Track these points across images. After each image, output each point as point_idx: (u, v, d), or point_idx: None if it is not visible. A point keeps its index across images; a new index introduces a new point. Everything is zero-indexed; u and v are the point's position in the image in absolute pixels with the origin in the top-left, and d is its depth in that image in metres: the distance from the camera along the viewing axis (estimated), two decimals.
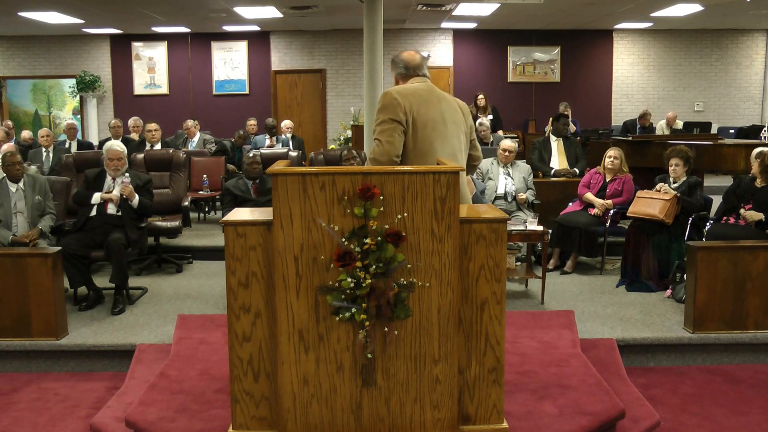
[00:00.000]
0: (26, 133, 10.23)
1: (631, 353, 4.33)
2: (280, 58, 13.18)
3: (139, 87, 13.17)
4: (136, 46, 13.08)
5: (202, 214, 8.34)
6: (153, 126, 8.33)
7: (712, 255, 4.40)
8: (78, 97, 13.16)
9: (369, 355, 2.83)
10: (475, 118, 9.69)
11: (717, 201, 5.71)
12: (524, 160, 7.16)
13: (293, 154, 8.03)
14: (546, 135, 8.15)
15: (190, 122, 9.55)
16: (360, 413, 2.89)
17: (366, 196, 2.73)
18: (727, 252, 4.41)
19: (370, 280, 2.75)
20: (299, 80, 13.28)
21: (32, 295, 4.32)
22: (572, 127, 10.25)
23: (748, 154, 5.91)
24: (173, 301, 5.22)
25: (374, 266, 2.76)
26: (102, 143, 7.96)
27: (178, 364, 3.91)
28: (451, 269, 2.83)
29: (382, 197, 2.76)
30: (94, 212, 5.17)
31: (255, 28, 12.58)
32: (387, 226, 2.77)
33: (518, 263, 5.68)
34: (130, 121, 9.83)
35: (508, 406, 3.24)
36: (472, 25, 12.74)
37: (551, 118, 8.26)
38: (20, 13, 10.12)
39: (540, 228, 5.16)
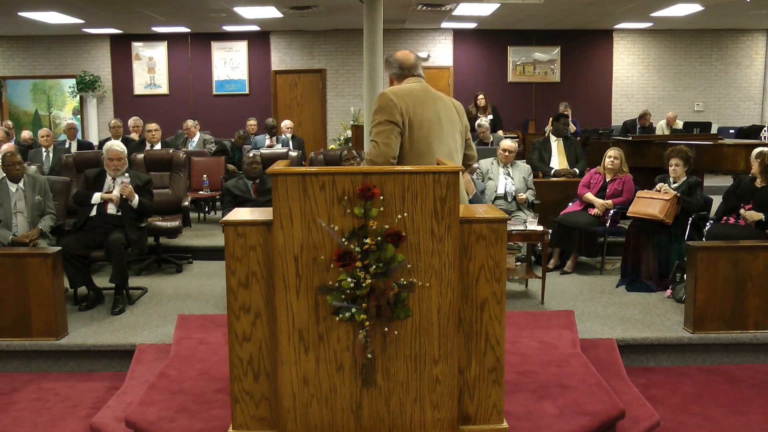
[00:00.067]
0: (26, 133, 10.23)
1: (631, 353, 4.33)
2: (280, 58, 13.18)
3: (139, 87, 13.18)
4: (136, 46, 13.08)
5: (202, 214, 8.34)
6: (153, 126, 8.33)
7: (712, 255, 4.40)
8: (78, 97, 13.16)
9: (369, 355, 2.83)
10: (475, 118, 9.71)
11: (717, 201, 5.71)
12: (524, 160, 7.16)
13: (293, 154, 8.03)
14: (546, 135, 8.15)
15: (190, 122, 9.56)
16: (360, 413, 2.89)
17: (366, 196, 2.73)
18: (727, 252, 4.41)
19: (370, 280, 2.75)
20: (299, 80, 13.28)
21: (32, 295, 4.32)
22: (572, 127, 10.26)
23: (748, 154, 5.91)
24: (173, 301, 5.22)
25: (374, 266, 2.76)
26: (102, 143, 7.96)
27: (178, 364, 3.91)
28: (451, 269, 2.83)
29: (382, 197, 2.76)
30: (94, 212, 5.17)
31: (255, 28, 12.58)
32: (387, 226, 2.77)
33: (518, 263, 5.68)
34: (130, 121, 9.84)
35: (508, 406, 3.24)
36: (472, 25, 12.74)
37: (551, 118, 8.26)
38: (20, 13, 10.12)
39: (540, 228, 5.16)
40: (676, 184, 5.60)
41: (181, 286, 5.68)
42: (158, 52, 13.11)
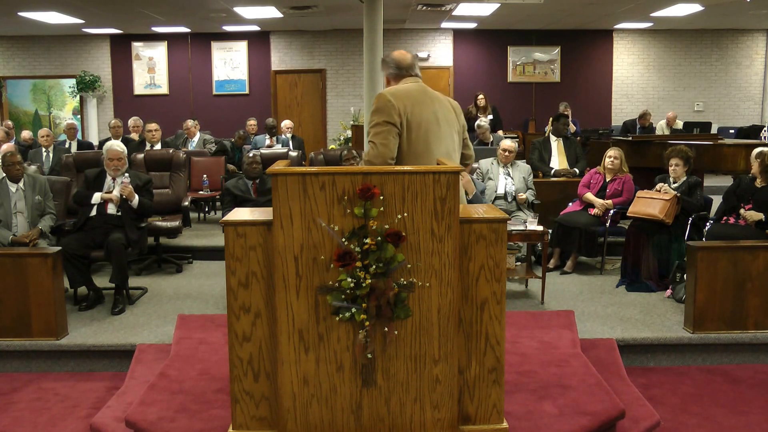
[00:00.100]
0: (26, 133, 10.23)
1: (631, 353, 4.33)
2: (280, 58, 13.18)
3: (139, 87, 13.17)
4: (136, 46, 13.08)
5: (202, 214, 8.34)
6: (153, 126, 8.33)
7: (712, 255, 4.40)
8: (78, 97, 13.16)
9: (369, 355, 2.83)
10: (475, 118, 9.71)
11: (717, 201, 5.71)
12: (524, 160, 7.16)
13: (293, 154, 8.03)
14: (546, 135, 8.15)
15: (190, 122, 9.56)
16: (360, 413, 2.89)
17: (366, 196, 2.73)
18: (727, 252, 4.41)
19: (370, 280, 2.75)
20: (299, 80, 13.28)
21: (32, 295, 4.32)
22: (572, 127, 10.26)
23: (748, 154, 5.91)
24: (173, 301, 5.22)
25: (374, 266, 2.76)
26: (102, 143, 7.96)
27: (178, 364, 3.91)
28: (451, 269, 2.83)
29: (382, 197, 2.76)
30: (94, 212, 5.17)
31: (255, 28, 12.58)
32: (387, 226, 2.77)
33: (518, 263, 5.68)
34: (130, 121, 9.84)
35: (508, 406, 3.24)
36: (472, 25, 12.74)
37: (551, 118, 8.26)
38: (20, 13, 10.12)
39: (540, 228, 5.16)
40: (676, 184, 5.60)
41: (181, 286, 5.68)
42: (158, 52, 13.11)
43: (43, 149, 8.32)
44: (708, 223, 5.42)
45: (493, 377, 2.95)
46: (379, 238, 2.75)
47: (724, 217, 5.30)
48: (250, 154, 6.23)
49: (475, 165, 6.35)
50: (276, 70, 13.20)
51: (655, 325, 4.55)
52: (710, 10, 10.57)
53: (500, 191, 6.35)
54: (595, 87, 13.36)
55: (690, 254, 4.52)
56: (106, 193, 5.23)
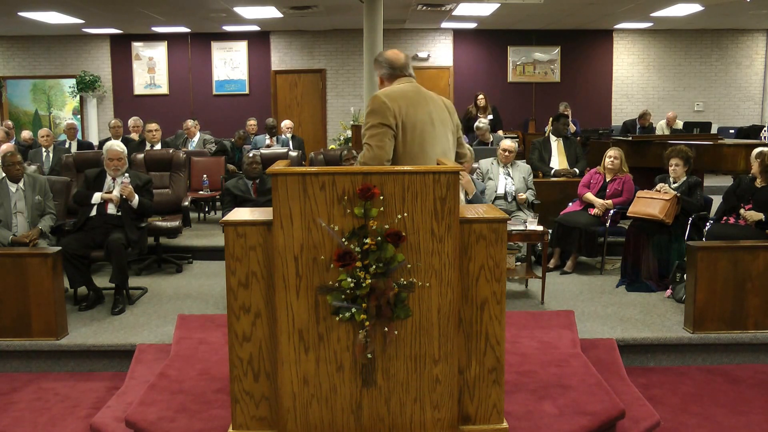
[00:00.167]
0: (26, 133, 10.23)
1: (631, 353, 4.33)
2: (280, 58, 13.18)
3: (139, 87, 13.18)
4: (136, 46, 13.08)
5: (202, 214, 8.34)
6: (153, 126, 8.33)
7: (712, 255, 4.40)
8: (78, 97, 13.16)
9: (369, 355, 2.83)
10: (475, 118, 9.71)
11: (717, 201, 5.71)
12: (524, 160, 7.16)
13: (293, 154, 8.03)
14: (546, 135, 8.15)
15: (190, 122, 9.56)
16: (360, 413, 2.89)
17: (366, 196, 2.73)
18: (727, 252, 4.41)
19: (370, 280, 2.75)
20: (299, 80, 13.28)
21: (32, 295, 4.32)
22: (572, 127, 10.26)
23: (748, 154, 5.91)
24: (173, 301, 5.22)
25: (374, 266, 2.76)
26: (102, 143, 7.96)
27: (178, 364, 3.91)
28: (451, 269, 2.83)
29: (382, 197, 2.76)
30: (94, 212, 5.17)
31: (255, 28, 12.58)
32: (387, 226, 2.77)
33: (518, 263, 5.68)
34: (130, 121, 9.83)
35: (508, 406, 3.24)
36: (472, 25, 12.74)
37: (551, 118, 8.26)
38: (20, 13, 10.12)
39: (540, 228, 5.16)
40: (676, 184, 5.60)
41: (181, 286, 5.68)
42: (158, 52, 13.11)
43: (43, 149, 8.32)
44: (708, 223, 5.42)
45: (493, 377, 2.95)
46: (379, 238, 2.75)
47: (724, 217, 5.30)
48: (250, 154, 6.23)
49: (475, 165, 6.34)
50: (276, 70, 13.20)
51: (655, 325, 4.55)
52: (710, 10, 10.58)
53: (500, 191, 6.35)
54: (595, 87, 13.36)
55: (690, 254, 4.52)
56: (106, 193, 5.23)
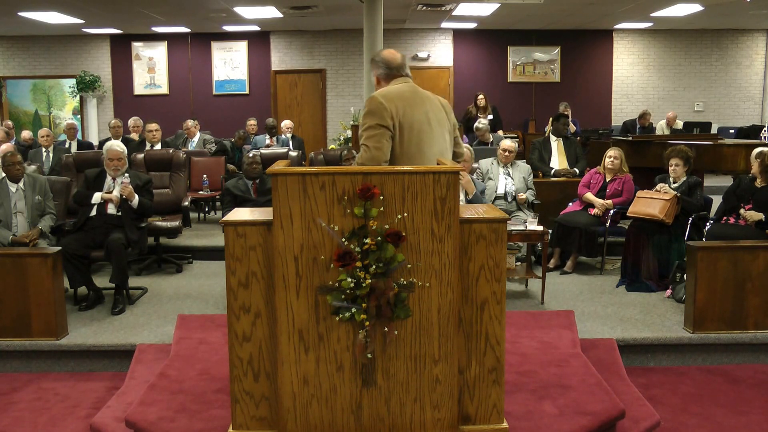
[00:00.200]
0: (26, 133, 10.23)
1: (631, 353, 4.33)
2: (280, 58, 13.18)
3: (139, 87, 13.18)
4: (136, 46, 13.08)
5: (202, 214, 8.34)
6: (153, 126, 8.32)
7: (712, 255, 4.40)
8: (78, 97, 13.16)
9: (369, 355, 2.83)
10: (475, 118, 9.71)
11: (717, 201, 5.71)
12: (524, 160, 7.16)
13: (293, 154, 8.03)
14: (546, 135, 8.15)
15: (190, 122, 9.56)
16: (360, 413, 2.89)
17: (366, 196, 2.73)
18: (727, 252, 4.41)
19: (370, 280, 2.75)
20: (299, 80, 13.28)
21: (32, 295, 4.32)
22: (572, 127, 10.25)
23: (748, 154, 5.91)
24: (173, 301, 5.22)
25: (374, 266, 2.76)
26: (102, 143, 7.96)
27: (178, 364, 3.91)
28: (451, 269, 2.83)
29: (382, 197, 2.76)
30: (94, 212, 5.17)
31: (255, 28, 12.58)
32: (387, 226, 2.77)
33: (518, 263, 5.68)
34: (130, 121, 9.84)
35: (508, 406, 3.24)
36: (472, 25, 12.74)
37: (551, 118, 8.26)
38: (20, 13, 10.12)
39: (540, 228, 5.16)
40: (676, 184, 5.60)
41: (181, 286, 5.68)
42: (158, 52, 13.11)
43: (43, 149, 8.32)
44: (708, 223, 5.43)
45: (493, 377, 2.95)
46: (379, 238, 2.75)
47: (724, 217, 5.30)
48: (250, 154, 6.23)
49: (475, 165, 6.34)
50: (276, 70, 13.20)
51: (655, 325, 4.55)
52: (710, 10, 10.57)
53: (500, 191, 6.35)
54: (595, 87, 13.36)
55: (690, 254, 4.52)
56: (106, 193, 5.23)
